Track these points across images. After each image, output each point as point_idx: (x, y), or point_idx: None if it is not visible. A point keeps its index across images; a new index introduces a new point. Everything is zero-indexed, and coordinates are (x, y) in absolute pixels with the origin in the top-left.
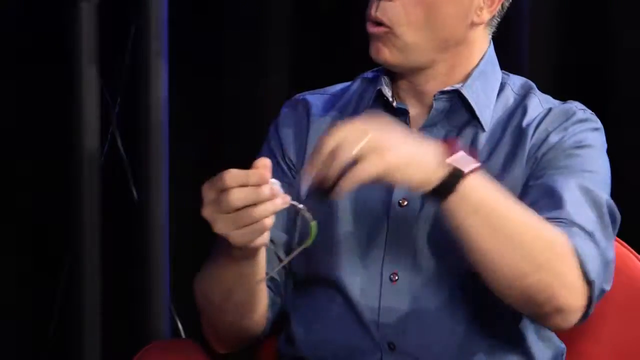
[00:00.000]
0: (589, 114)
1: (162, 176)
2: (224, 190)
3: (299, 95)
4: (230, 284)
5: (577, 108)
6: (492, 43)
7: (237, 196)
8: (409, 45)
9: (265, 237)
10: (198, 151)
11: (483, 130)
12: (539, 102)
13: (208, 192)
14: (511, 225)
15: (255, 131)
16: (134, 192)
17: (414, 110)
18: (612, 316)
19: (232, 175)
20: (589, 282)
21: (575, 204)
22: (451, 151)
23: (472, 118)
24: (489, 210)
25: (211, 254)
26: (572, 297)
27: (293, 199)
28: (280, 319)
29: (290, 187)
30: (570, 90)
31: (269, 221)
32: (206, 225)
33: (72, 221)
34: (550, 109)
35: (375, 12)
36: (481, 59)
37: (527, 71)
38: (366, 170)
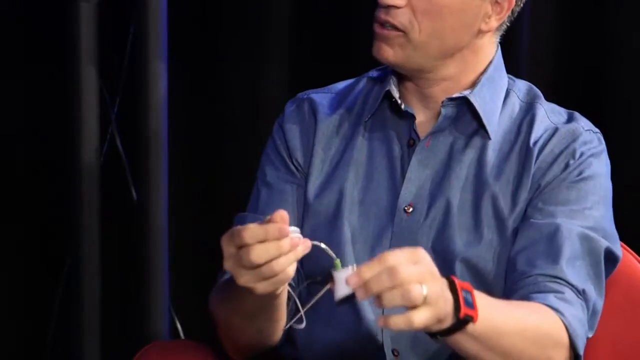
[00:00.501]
0: (593, 135)
1: (162, 176)
2: (244, 246)
3: (303, 94)
4: (252, 313)
5: (583, 129)
6: (499, 48)
7: (258, 253)
8: (416, 49)
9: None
10: (197, 151)
11: (489, 138)
12: (545, 114)
13: (227, 247)
14: (508, 341)
15: (254, 131)
16: (134, 193)
17: (420, 115)
18: (611, 318)
19: (251, 232)
20: (576, 356)
21: (572, 259)
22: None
23: (479, 126)
24: (488, 337)
25: (227, 278)
26: None
27: (300, 197)
28: None
29: (298, 187)
30: (569, 93)
31: (292, 270)
32: (205, 227)
33: (72, 221)
34: (556, 129)
35: (385, 16)
36: (489, 64)
37: (526, 74)
38: (421, 320)
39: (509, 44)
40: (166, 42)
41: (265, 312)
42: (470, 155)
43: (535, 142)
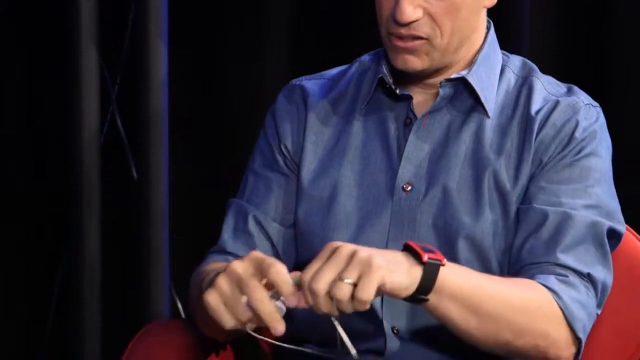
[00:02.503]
0: (593, 109)
1: (162, 156)
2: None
3: (295, 81)
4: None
5: (583, 103)
6: (491, 24)
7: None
8: (440, 52)
9: None
10: (198, 131)
11: (488, 116)
12: (543, 86)
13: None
14: (489, 303)
15: (255, 111)
16: (134, 172)
17: (417, 96)
18: (612, 296)
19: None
20: (576, 338)
21: (575, 245)
22: (419, 250)
23: (476, 103)
24: (466, 295)
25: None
26: (560, 350)
27: (288, 185)
28: None
29: (283, 175)
30: (570, 70)
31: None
32: (205, 206)
33: (72, 201)
34: (557, 102)
35: (408, 30)
36: (483, 42)
37: (526, 52)
38: (367, 289)
39: (509, 24)
40: (167, 21)
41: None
42: (468, 132)
43: (537, 113)
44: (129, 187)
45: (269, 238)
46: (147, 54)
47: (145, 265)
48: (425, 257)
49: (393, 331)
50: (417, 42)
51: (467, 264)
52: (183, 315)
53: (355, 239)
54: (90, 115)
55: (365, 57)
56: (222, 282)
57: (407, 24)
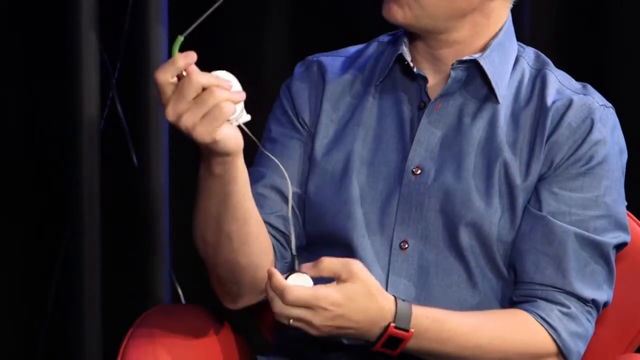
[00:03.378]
0: (607, 110)
1: (162, 142)
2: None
3: (312, 57)
4: (216, 209)
5: (598, 104)
6: (510, 15)
7: (198, 79)
8: (426, 9)
9: (233, 137)
10: None
11: (498, 101)
12: (557, 79)
13: (166, 87)
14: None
15: (257, 96)
16: (134, 158)
17: (431, 78)
18: (615, 283)
19: (186, 54)
20: None
21: (582, 268)
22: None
23: (489, 92)
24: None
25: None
26: None
27: (305, 154)
28: None
29: (302, 144)
30: (571, 62)
31: (228, 107)
32: None
33: (72, 187)
34: (571, 101)
35: None
36: (499, 30)
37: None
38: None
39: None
40: (167, 6)
41: (228, 206)
42: (481, 120)
43: (550, 106)
44: (129, 173)
45: (284, 198)
46: (147, 39)
47: (146, 252)
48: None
49: None
50: None
51: (471, 250)
52: (183, 301)
53: (365, 218)
54: (90, 101)
55: (384, 38)
56: (164, 86)
57: None
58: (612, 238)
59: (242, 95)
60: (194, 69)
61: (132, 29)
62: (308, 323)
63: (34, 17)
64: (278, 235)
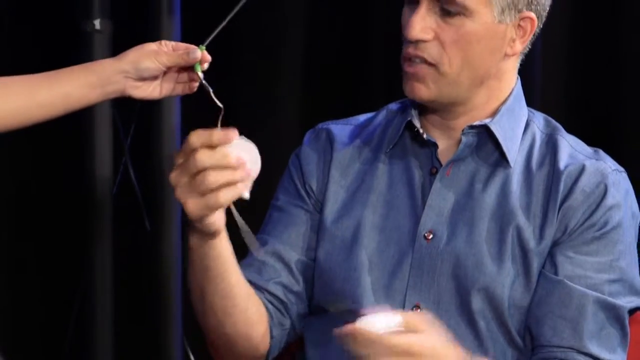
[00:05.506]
0: (619, 175)
1: (174, 207)
2: (191, 151)
3: (321, 125)
4: (199, 280)
5: (610, 169)
6: (519, 79)
7: (200, 157)
8: (448, 82)
9: (218, 221)
10: None
11: (509, 166)
12: (568, 144)
13: (177, 156)
14: None
15: (270, 161)
16: (146, 223)
17: (441, 144)
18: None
19: (197, 133)
20: None
21: (599, 331)
22: None
23: (501, 156)
24: None
25: None
26: None
27: (310, 223)
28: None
29: (309, 212)
30: (581, 125)
31: (224, 196)
32: None
33: (84, 252)
34: (584, 167)
35: (415, 50)
36: (509, 94)
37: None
38: None
39: (522, 78)
40: None
41: (207, 278)
42: (493, 185)
43: (563, 171)
44: (141, 237)
45: (286, 265)
46: (160, 103)
47: (158, 317)
48: None
49: None
50: (424, 68)
51: (482, 315)
52: None
53: (376, 283)
54: (102, 165)
55: (394, 106)
56: (176, 155)
57: (415, 42)
58: (627, 302)
59: (246, 177)
60: (211, 141)
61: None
62: None
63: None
64: (276, 302)
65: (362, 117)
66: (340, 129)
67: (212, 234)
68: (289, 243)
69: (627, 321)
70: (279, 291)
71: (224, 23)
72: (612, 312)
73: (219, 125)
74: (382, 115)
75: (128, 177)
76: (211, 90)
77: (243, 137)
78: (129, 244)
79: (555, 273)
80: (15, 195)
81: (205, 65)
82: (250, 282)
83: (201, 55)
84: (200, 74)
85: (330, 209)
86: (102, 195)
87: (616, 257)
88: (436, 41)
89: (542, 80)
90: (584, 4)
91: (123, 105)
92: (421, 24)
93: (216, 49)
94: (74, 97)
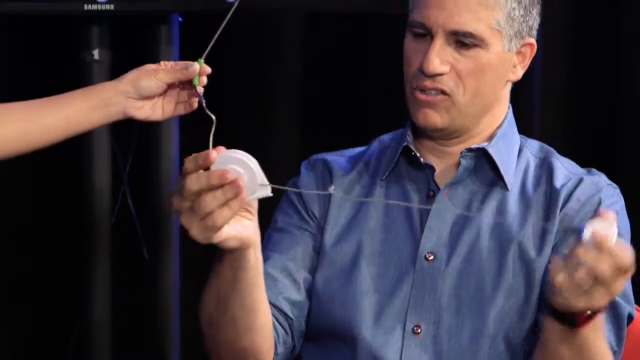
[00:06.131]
0: (613, 190)
1: (173, 236)
2: (184, 176)
3: (316, 156)
4: (225, 294)
5: (605, 182)
6: (510, 106)
7: (188, 182)
8: (460, 110)
9: (227, 235)
10: None
11: (507, 189)
12: (562, 166)
13: (177, 183)
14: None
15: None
16: (145, 252)
17: (438, 167)
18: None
19: (188, 158)
20: None
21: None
22: None
23: (497, 178)
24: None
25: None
26: None
27: (312, 244)
28: None
29: (310, 234)
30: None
31: (220, 215)
32: None
33: (83, 282)
34: (581, 179)
35: (432, 83)
36: (504, 119)
37: (537, 136)
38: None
39: (520, 107)
40: None
41: (237, 293)
42: (490, 205)
43: (561, 187)
44: (139, 267)
45: (295, 282)
46: (158, 133)
47: (156, 347)
48: None
49: None
50: (439, 97)
51: (491, 333)
52: None
53: (376, 306)
54: (101, 195)
55: (385, 137)
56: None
57: (433, 76)
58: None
59: (240, 190)
60: (197, 164)
61: (143, 122)
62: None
63: None
64: (282, 318)
65: (355, 150)
66: (336, 160)
67: (236, 250)
68: (295, 260)
69: (625, 323)
70: (287, 307)
71: (218, 32)
72: (612, 309)
73: (211, 138)
74: (374, 146)
75: (126, 206)
76: (204, 101)
77: (232, 149)
78: (128, 273)
79: None
80: (12, 229)
81: (204, 79)
82: None
83: (200, 69)
84: (200, 89)
85: (330, 233)
86: (101, 225)
87: None
88: (452, 72)
89: (540, 107)
90: (584, 17)
91: (121, 134)
92: (439, 58)
93: (212, 85)
94: (75, 120)
